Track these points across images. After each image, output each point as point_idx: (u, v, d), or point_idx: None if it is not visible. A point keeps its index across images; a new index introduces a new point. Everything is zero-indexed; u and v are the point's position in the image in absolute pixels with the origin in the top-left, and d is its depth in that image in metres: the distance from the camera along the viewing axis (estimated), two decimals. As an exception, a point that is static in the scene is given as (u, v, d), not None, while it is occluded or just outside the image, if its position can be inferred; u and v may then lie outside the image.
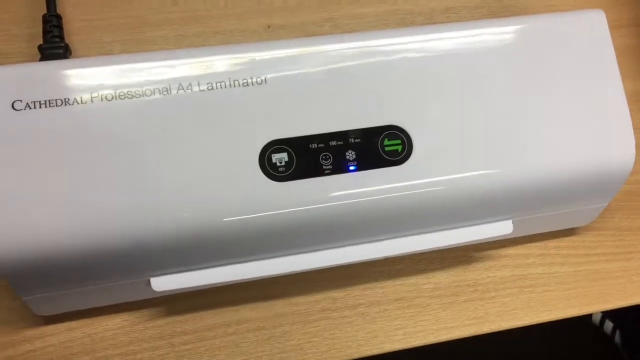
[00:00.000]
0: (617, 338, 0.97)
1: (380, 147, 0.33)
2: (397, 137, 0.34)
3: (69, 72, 0.32)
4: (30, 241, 0.30)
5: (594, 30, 0.38)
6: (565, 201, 0.37)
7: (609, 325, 0.99)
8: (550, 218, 0.39)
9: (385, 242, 0.36)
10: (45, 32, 0.38)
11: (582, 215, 0.40)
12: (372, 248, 0.36)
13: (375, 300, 0.40)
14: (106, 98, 0.32)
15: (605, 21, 0.38)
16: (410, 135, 0.34)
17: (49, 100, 0.31)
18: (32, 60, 0.39)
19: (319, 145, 0.33)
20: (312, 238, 0.35)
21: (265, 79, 0.34)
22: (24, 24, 0.40)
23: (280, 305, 0.39)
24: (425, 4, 0.46)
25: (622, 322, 0.98)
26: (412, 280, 0.40)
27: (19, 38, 0.40)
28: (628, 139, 0.36)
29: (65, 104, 0.32)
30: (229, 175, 0.32)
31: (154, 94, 0.33)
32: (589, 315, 1.00)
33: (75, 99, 0.32)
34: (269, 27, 0.43)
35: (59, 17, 0.39)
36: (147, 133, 0.32)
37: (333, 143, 0.33)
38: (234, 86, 0.33)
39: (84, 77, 0.32)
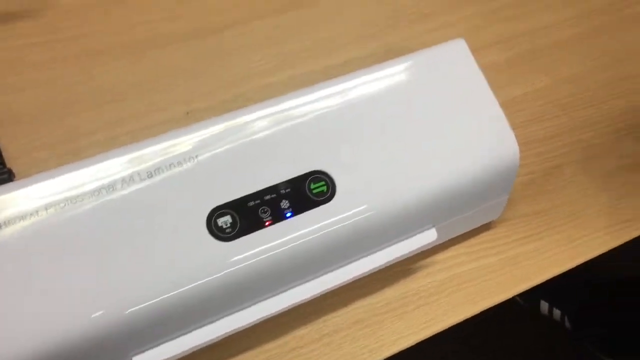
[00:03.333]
0: (567, 323, 1.05)
1: (308, 191, 0.39)
2: (320, 180, 0.39)
3: (13, 194, 0.36)
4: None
5: (460, 56, 0.45)
6: (473, 201, 0.44)
7: (557, 312, 1.07)
8: (466, 219, 0.45)
9: (332, 273, 0.41)
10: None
11: (491, 210, 0.47)
12: (321, 281, 0.41)
13: (336, 328, 0.44)
14: (57, 208, 0.36)
15: (467, 47, 0.45)
16: (331, 175, 0.39)
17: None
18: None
19: (256, 201, 0.38)
20: (269, 285, 0.39)
21: (196, 157, 0.39)
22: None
23: (252, 356, 0.43)
24: (323, 62, 0.53)
25: (566, 308, 1.06)
26: (365, 301, 0.45)
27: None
28: (510, 140, 0.43)
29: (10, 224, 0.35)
30: (183, 247, 0.36)
31: (102, 194, 0.37)
32: (538, 307, 1.07)
33: (21, 216, 0.35)
34: (187, 113, 0.49)
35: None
36: (102, 229, 0.36)
37: (268, 197, 0.38)
38: (171, 169, 0.38)
39: (28, 197, 0.36)
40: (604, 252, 0.48)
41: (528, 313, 1.04)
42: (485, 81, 0.45)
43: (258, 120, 0.40)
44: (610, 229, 0.49)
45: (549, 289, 1.06)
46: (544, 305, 1.08)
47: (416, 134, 0.42)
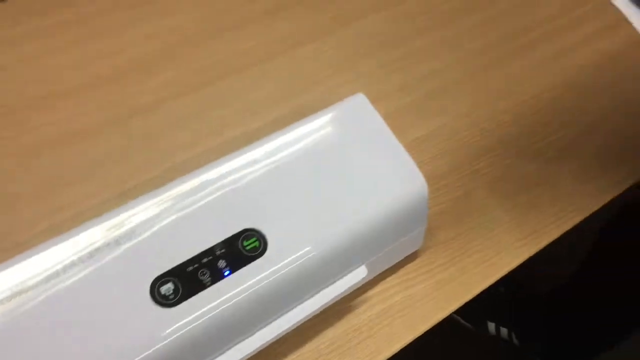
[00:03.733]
0: (515, 339, 1.11)
1: (242, 248, 0.42)
2: (252, 236, 0.43)
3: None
4: None
5: (362, 109, 0.51)
6: (393, 235, 0.48)
7: (504, 330, 1.13)
8: (391, 252, 0.49)
9: (275, 322, 0.44)
10: None
11: (412, 241, 0.51)
12: (264, 332, 0.44)
13: (288, 374, 0.47)
14: (4, 302, 0.38)
15: (367, 100, 0.51)
16: (262, 231, 0.43)
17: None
18: None
19: (195, 265, 0.41)
20: (217, 342, 0.42)
21: (134, 233, 0.41)
22: None
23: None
24: (241, 129, 0.57)
25: (511, 325, 1.12)
26: (312, 344, 0.48)
27: None
28: (418, 178, 0.48)
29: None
30: (131, 318, 0.39)
31: (49, 281, 0.39)
32: (486, 328, 1.12)
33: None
34: (122, 193, 0.51)
35: None
36: (50, 316, 0.38)
37: (205, 260, 0.41)
38: (111, 248, 0.40)
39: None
40: (517, 264, 0.54)
41: (477, 335, 1.09)
42: (387, 128, 0.50)
43: (188, 190, 0.44)
44: (520, 243, 0.55)
45: (493, 309, 1.11)
46: (491, 326, 1.13)
47: (334, 183, 0.46)
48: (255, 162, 0.46)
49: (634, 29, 0.72)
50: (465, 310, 0.54)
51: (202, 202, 0.43)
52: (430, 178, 0.56)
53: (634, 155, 0.62)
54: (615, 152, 0.62)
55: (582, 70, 0.67)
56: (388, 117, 0.52)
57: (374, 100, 0.55)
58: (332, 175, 0.46)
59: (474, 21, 0.69)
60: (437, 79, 0.64)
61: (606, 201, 0.59)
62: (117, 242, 0.41)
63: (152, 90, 0.58)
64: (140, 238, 0.41)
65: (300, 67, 0.62)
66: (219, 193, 0.44)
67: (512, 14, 0.70)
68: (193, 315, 0.40)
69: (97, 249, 0.40)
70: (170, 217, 0.42)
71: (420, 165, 0.50)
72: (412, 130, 0.60)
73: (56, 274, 0.39)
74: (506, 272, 0.53)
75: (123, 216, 0.42)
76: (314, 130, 0.49)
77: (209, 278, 0.41)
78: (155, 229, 0.42)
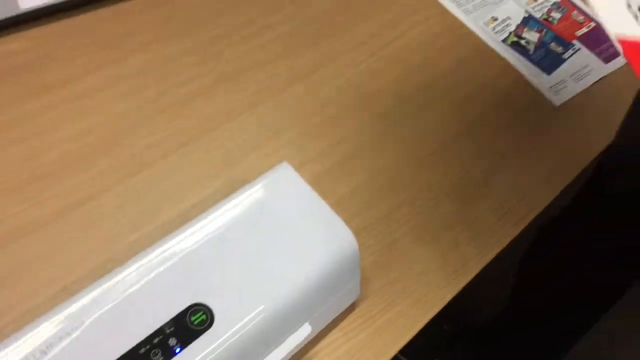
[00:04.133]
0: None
1: (190, 323, 0.44)
2: (199, 311, 0.45)
3: None
4: None
5: (288, 176, 0.55)
6: (330, 290, 0.52)
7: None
8: (331, 306, 0.53)
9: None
10: None
11: (350, 293, 0.55)
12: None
13: None
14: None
15: (291, 167, 0.55)
16: (207, 304, 0.45)
17: None
18: None
19: (147, 347, 0.43)
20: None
21: (83, 324, 0.43)
22: None
23: None
24: (177, 208, 0.60)
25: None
26: (267, 407, 0.50)
27: None
28: (346, 233, 0.52)
29: None
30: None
31: (0, 382, 0.40)
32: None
33: None
34: (64, 288, 0.53)
35: None
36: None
37: (156, 340, 0.43)
38: (62, 342, 0.42)
39: None
40: (448, 301, 0.58)
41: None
42: (313, 191, 0.54)
43: (130, 276, 0.46)
44: (449, 280, 0.59)
45: (438, 346, 1.15)
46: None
47: (270, 249, 0.49)
48: (193, 238, 0.49)
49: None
50: (412, 350, 0.58)
51: (147, 285, 0.46)
52: (359, 231, 0.60)
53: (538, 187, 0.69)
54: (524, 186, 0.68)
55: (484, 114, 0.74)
56: (314, 181, 0.56)
57: (299, 166, 0.60)
58: (268, 242, 0.50)
59: (377, 87, 0.75)
60: (353, 140, 0.69)
61: (521, 229, 0.66)
62: (67, 334, 0.42)
63: (84, 183, 0.60)
64: (89, 328, 0.43)
65: (227, 144, 0.66)
66: (163, 272, 0.46)
67: (419, 73, 0.77)
68: (150, 396, 0.41)
69: (49, 345, 0.42)
70: (117, 303, 0.44)
71: (349, 220, 0.54)
72: (337, 189, 0.64)
73: (9, 376, 0.40)
74: (439, 309, 0.58)
75: (70, 309, 0.44)
76: (245, 201, 0.52)
77: (162, 357, 0.43)
78: (103, 317, 0.43)
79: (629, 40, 0.46)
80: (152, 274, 0.46)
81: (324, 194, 0.54)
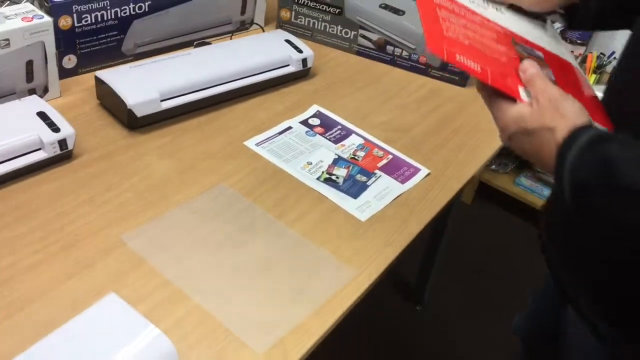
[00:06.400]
0: None
1: None
2: None
3: None
4: None
5: (115, 307, 0.65)
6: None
7: None
8: None
9: None
10: None
11: None
12: None
13: None
14: None
15: (119, 298, 0.66)
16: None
17: None
18: None
19: None
20: None
21: None
22: None
23: None
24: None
25: None
26: None
27: None
28: (166, 343, 0.62)
29: None
30: None
31: None
32: None
33: None
34: None
35: None
36: None
37: None
38: None
39: None
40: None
41: None
42: (136, 313, 0.65)
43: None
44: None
45: None
46: None
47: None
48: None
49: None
50: None
51: None
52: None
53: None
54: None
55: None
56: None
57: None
58: (97, 355, 0.59)
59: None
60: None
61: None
62: None
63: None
64: None
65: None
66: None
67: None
68: None
69: None
70: None
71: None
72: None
73: None
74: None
75: None
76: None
77: None
78: None
79: None
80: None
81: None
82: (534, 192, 2.16)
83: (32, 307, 0.73)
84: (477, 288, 1.93)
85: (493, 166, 2.27)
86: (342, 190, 1.00)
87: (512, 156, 2.24)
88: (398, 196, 1.00)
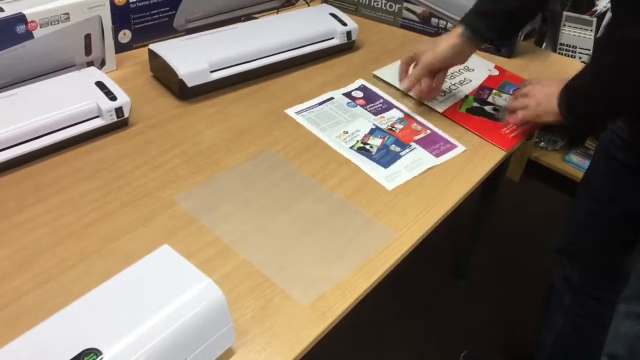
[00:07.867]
0: None
1: (84, 364, 0.57)
2: (90, 353, 0.57)
3: None
4: None
5: (169, 258, 0.70)
6: (206, 332, 0.64)
7: None
8: (208, 349, 0.65)
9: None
10: None
11: (225, 338, 0.67)
12: None
13: None
14: None
15: (172, 250, 0.70)
16: (96, 347, 0.58)
17: None
18: None
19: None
20: None
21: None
22: None
23: None
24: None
25: None
26: None
27: None
28: (213, 288, 0.66)
29: None
30: None
31: None
32: None
33: None
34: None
35: None
36: None
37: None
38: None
39: None
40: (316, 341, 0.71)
41: None
42: (187, 262, 0.69)
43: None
44: (315, 323, 0.73)
45: None
46: None
47: (151, 307, 0.63)
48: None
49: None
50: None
51: (45, 327, 0.58)
52: (239, 296, 0.74)
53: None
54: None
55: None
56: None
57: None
58: (148, 299, 0.64)
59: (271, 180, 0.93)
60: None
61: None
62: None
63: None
64: (1, 375, 0.55)
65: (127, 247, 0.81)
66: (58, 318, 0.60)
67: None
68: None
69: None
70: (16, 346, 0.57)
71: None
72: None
73: None
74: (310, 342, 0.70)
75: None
76: (132, 271, 0.67)
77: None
78: (10, 361, 0.56)
79: None
80: (49, 321, 0.59)
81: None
82: (583, 168, 2.12)
83: (91, 259, 0.79)
84: (523, 265, 1.92)
85: (542, 143, 2.23)
86: (373, 159, 1.02)
87: (562, 133, 2.20)
88: (430, 168, 1.02)
